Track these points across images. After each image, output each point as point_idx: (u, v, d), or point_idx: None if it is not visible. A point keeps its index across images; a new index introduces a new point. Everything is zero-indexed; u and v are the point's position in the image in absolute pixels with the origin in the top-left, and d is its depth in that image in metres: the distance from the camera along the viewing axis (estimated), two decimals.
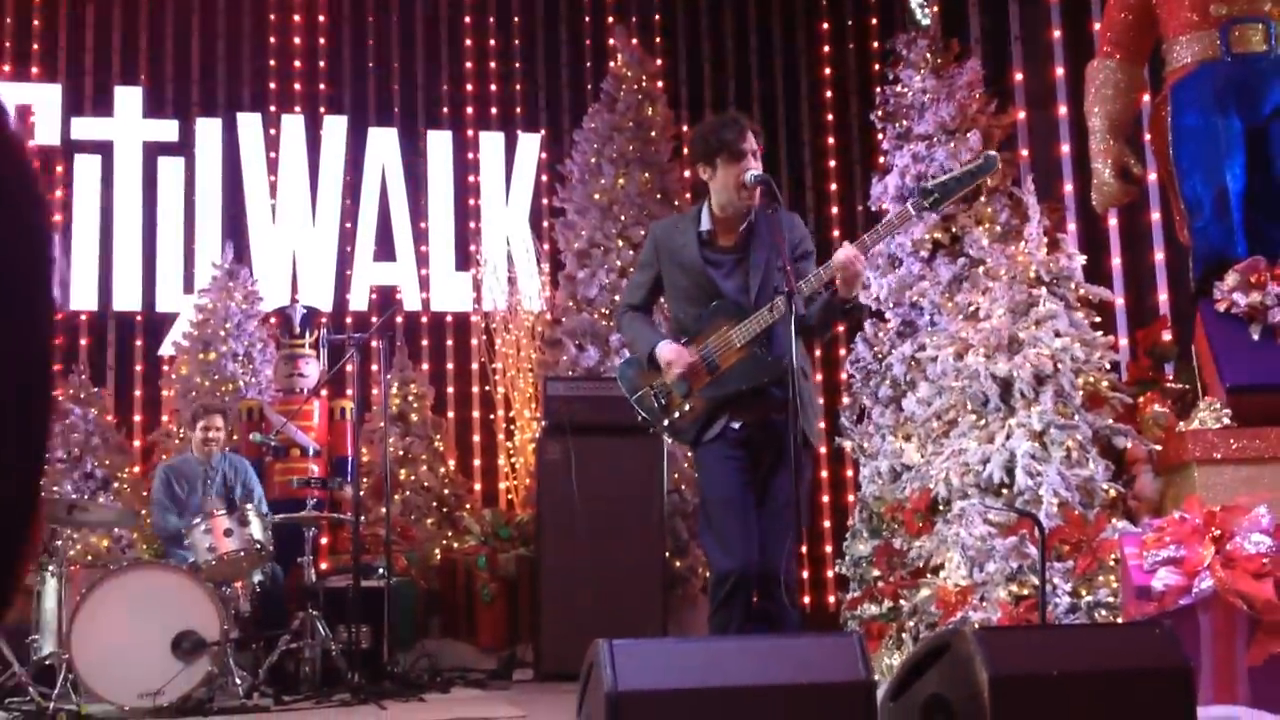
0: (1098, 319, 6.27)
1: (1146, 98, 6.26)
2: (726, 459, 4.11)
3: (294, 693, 6.06)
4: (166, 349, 8.98)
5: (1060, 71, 8.01)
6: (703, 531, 4.26)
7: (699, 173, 4.24)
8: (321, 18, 9.75)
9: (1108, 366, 6.05)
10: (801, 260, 4.14)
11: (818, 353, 9.34)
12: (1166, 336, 6.69)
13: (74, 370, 8.46)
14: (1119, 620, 4.87)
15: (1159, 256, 7.31)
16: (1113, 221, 7.54)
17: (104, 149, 9.28)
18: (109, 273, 9.14)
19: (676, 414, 4.16)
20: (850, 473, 8.65)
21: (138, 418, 8.88)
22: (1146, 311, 7.31)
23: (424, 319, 9.47)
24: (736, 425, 4.11)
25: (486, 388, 9.18)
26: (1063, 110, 7.94)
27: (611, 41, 9.12)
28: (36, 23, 9.31)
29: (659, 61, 9.46)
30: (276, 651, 6.11)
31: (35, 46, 9.32)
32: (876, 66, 9.00)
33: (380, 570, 6.75)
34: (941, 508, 5.91)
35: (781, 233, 3.94)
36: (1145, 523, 5.03)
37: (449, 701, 6.14)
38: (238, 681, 5.80)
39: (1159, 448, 5.64)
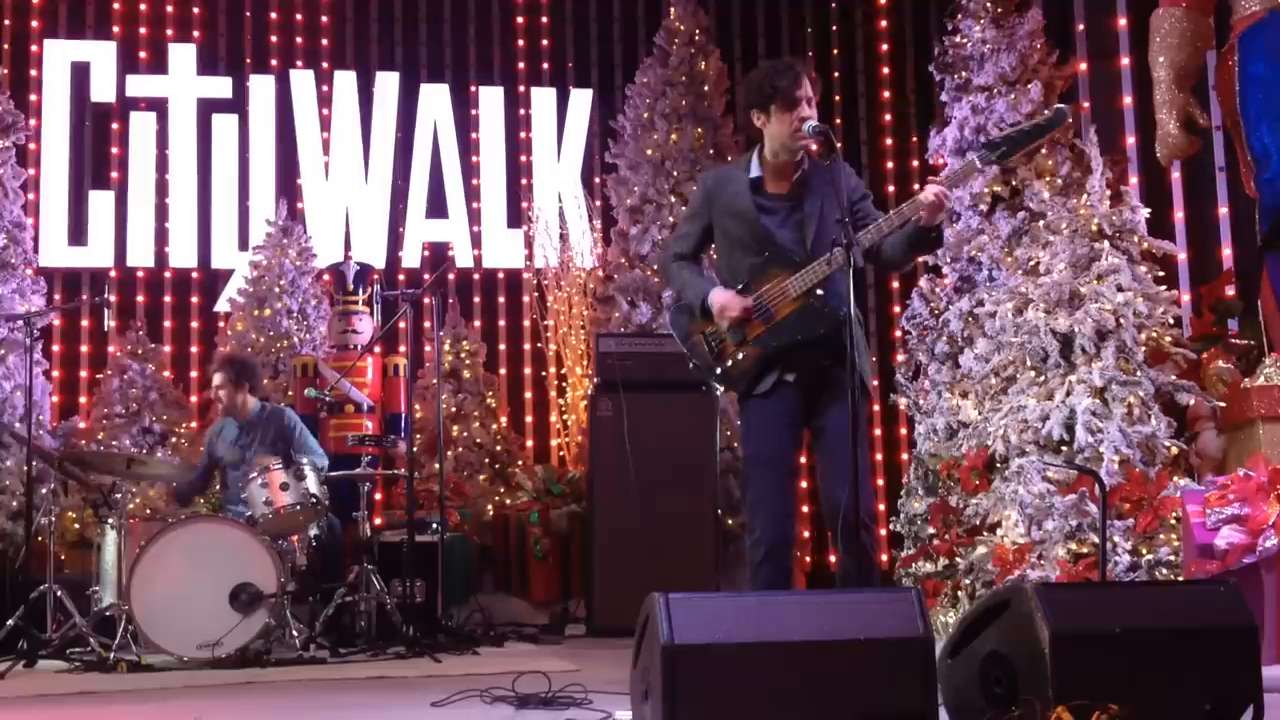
0: (1161, 273, 6.16)
1: (1212, 48, 6.11)
2: (774, 416, 4.07)
3: (350, 645, 6.12)
4: (222, 305, 9.03)
5: (1123, 21, 7.83)
6: (744, 489, 4.24)
7: (752, 119, 4.14)
8: None
9: (1171, 322, 5.96)
10: (861, 202, 4.11)
11: (870, 306, 9.27)
12: (1231, 291, 6.57)
13: (131, 326, 8.53)
14: (1180, 579, 4.80)
15: (1224, 210, 7.16)
16: (1176, 174, 7.39)
17: (159, 106, 9.31)
18: (165, 230, 9.20)
19: (729, 362, 4.12)
20: (905, 430, 8.58)
21: (194, 373, 8.95)
22: (1211, 266, 7.16)
23: (476, 276, 9.46)
24: (790, 378, 4.06)
25: (538, 344, 9.17)
26: (1125, 61, 7.77)
27: None
28: None
29: (711, 15, 9.34)
30: (332, 604, 6.16)
31: (90, 4, 9.35)
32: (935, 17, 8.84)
33: (434, 526, 6.78)
34: (999, 465, 5.85)
35: (841, 183, 3.88)
36: (1208, 480, 4.96)
37: (502, 655, 6.17)
38: (294, 633, 5.86)
39: (1223, 404, 5.55)
